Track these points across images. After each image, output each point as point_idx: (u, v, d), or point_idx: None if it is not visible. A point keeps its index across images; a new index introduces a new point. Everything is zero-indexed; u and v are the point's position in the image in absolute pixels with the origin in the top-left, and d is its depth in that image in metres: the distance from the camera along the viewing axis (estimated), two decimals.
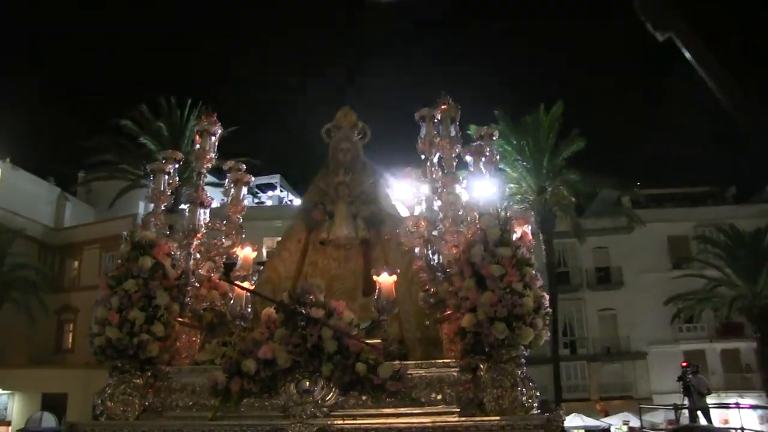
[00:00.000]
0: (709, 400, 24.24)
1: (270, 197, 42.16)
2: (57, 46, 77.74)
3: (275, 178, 43.91)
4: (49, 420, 28.88)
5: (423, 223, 5.10)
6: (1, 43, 73.61)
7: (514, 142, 28.59)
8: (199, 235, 5.24)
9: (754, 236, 28.41)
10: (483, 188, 5.04)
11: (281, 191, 44.86)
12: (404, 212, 5.78)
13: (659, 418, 27.17)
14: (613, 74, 76.87)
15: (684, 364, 18.54)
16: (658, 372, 32.93)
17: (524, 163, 28.74)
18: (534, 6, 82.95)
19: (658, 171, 57.40)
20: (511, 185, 28.80)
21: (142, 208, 38.64)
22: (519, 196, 28.74)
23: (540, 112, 28.67)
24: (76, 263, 39.97)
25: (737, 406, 25.49)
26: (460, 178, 5.31)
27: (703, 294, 28.89)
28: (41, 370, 34.60)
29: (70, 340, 38.42)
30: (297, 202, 42.39)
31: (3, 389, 34.06)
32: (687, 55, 2.73)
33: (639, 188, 34.45)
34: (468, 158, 5.18)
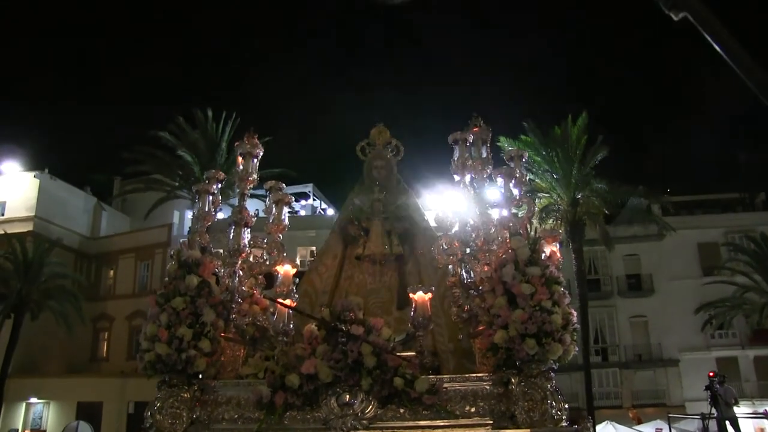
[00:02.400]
0: (744, 408, 24.03)
1: (303, 206, 42.58)
2: (96, 57, 79.26)
3: (308, 188, 44.34)
4: (84, 429, 29.29)
5: (456, 244, 5.31)
6: (43, 54, 75.35)
7: (544, 153, 28.69)
8: (243, 255, 5.51)
9: None
10: (513, 208, 5.26)
11: (314, 200, 45.27)
12: (437, 230, 5.99)
13: (692, 426, 26.92)
14: (641, 81, 76.32)
15: (711, 374, 18.44)
16: (691, 379, 32.62)
17: (554, 174, 28.82)
18: (561, 14, 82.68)
19: (689, 178, 56.86)
20: (542, 195, 28.93)
21: (176, 218, 39.44)
22: (550, 207, 28.82)
23: (568, 123, 28.76)
24: (112, 272, 40.73)
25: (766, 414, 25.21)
26: (492, 198, 5.52)
27: (734, 300, 28.75)
28: (76, 379, 35.24)
29: (105, 348, 39.10)
30: (330, 211, 42.80)
31: (38, 398, 34.73)
32: (706, 36, 2.60)
33: (669, 195, 34.31)
34: (499, 179, 5.38)
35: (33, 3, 71.64)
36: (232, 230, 5.55)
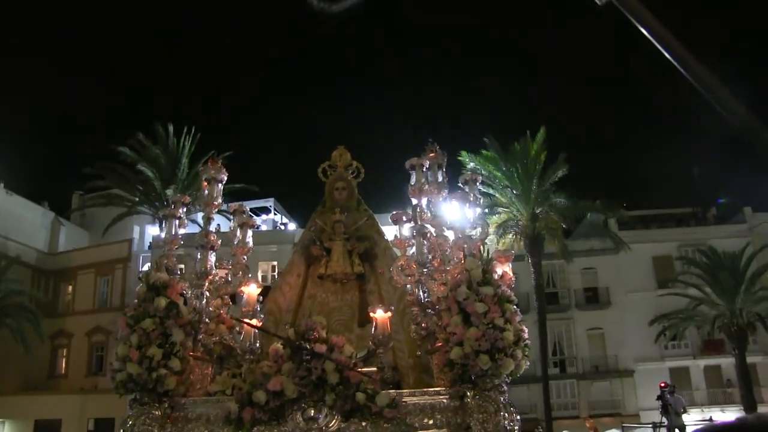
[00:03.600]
0: (694, 416, 24.75)
1: (264, 221, 42.51)
2: (55, 70, 78.21)
3: (269, 202, 44.28)
4: None
5: (414, 265, 5.60)
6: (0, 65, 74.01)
7: (504, 169, 29.26)
8: (209, 277, 5.73)
9: (732, 257, 29.22)
10: (468, 229, 5.58)
11: (275, 214, 45.20)
12: (396, 251, 6.29)
13: None
14: (600, 98, 78.04)
15: (662, 384, 19.15)
16: (646, 389, 33.31)
17: (513, 190, 29.40)
18: (523, 32, 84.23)
19: (645, 193, 58.27)
20: (502, 210, 29.51)
21: (137, 233, 39.02)
22: (510, 222, 29.38)
23: (527, 139, 29.42)
24: (71, 288, 40.06)
25: (711, 420, 26.00)
26: (447, 220, 5.83)
27: (687, 312, 29.57)
28: (34, 396, 34.56)
29: (64, 365, 38.43)
30: (291, 226, 42.75)
31: None
32: (635, 23, 2.51)
33: (625, 210, 35.15)
34: (454, 202, 5.70)
35: None
36: (199, 253, 5.75)
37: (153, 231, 38.08)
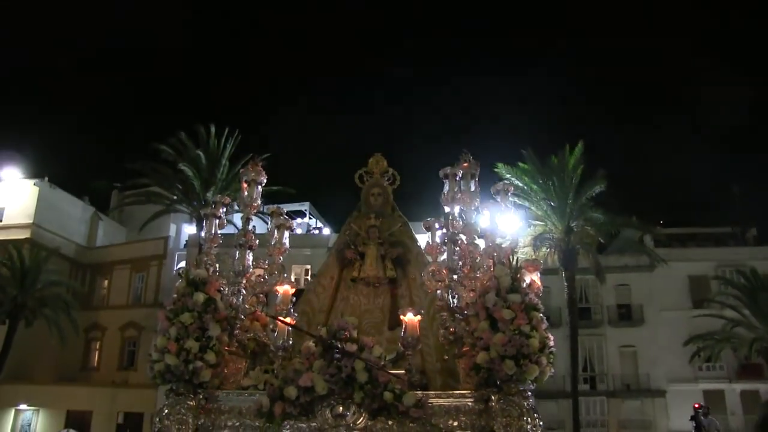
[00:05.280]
0: None
1: (299, 224, 42.90)
2: (102, 68, 80.00)
3: (305, 206, 44.65)
4: None
5: (445, 271, 5.74)
6: (46, 62, 76.00)
7: (540, 182, 29.20)
8: (247, 275, 5.93)
9: None
10: (498, 238, 5.70)
11: (310, 218, 45.56)
12: (428, 258, 6.43)
13: None
14: (640, 113, 77.22)
15: (696, 405, 18.91)
16: (678, 410, 32.88)
17: (550, 203, 29.31)
18: (561, 47, 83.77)
19: (682, 210, 57.44)
20: (537, 223, 29.40)
21: (173, 231, 39.72)
22: (544, 235, 29.25)
23: (565, 152, 29.32)
24: (106, 282, 40.94)
25: None
26: (479, 228, 5.96)
27: (723, 334, 29.03)
28: (67, 387, 35.41)
29: (97, 358, 39.20)
30: (326, 231, 43.08)
31: (28, 405, 34.83)
32: None
33: (661, 227, 34.77)
34: (486, 212, 5.83)
35: (36, 10, 72.45)
36: (237, 252, 5.96)
37: (189, 230, 38.76)
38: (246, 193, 6.32)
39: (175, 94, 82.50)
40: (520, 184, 28.75)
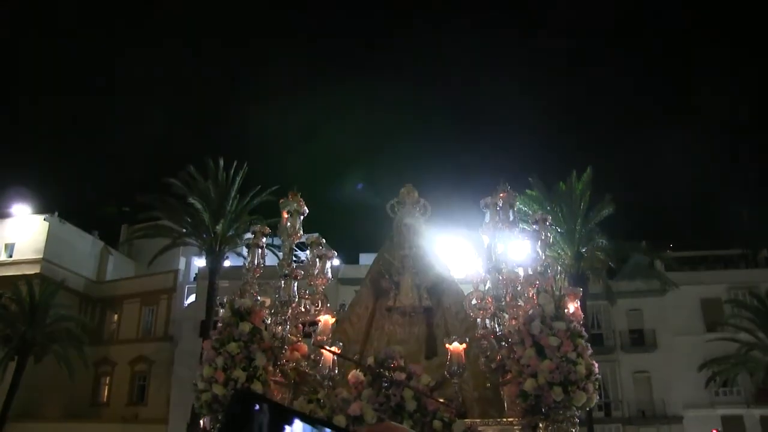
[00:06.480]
0: None
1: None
2: (110, 104, 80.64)
3: (314, 236, 44.65)
4: None
5: (489, 299, 5.79)
6: (56, 99, 76.67)
7: (548, 208, 29.27)
8: (293, 305, 5.99)
9: None
10: (539, 266, 5.76)
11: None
12: (465, 286, 6.48)
13: None
14: (647, 137, 77.48)
15: (714, 431, 18.74)
16: None
17: (558, 229, 29.35)
18: (569, 73, 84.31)
19: (691, 233, 57.29)
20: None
21: (183, 264, 39.74)
22: (556, 261, 29.19)
23: (572, 178, 29.46)
24: (116, 316, 40.88)
25: None
26: (518, 257, 6.02)
27: (738, 358, 28.83)
28: (76, 424, 35.03)
29: (106, 393, 39.00)
30: (335, 262, 43.00)
31: None
32: None
33: (671, 251, 34.71)
34: (527, 241, 5.90)
35: (41, 41, 73.34)
36: (282, 282, 6.02)
37: (199, 263, 38.77)
38: (288, 223, 6.38)
39: (186, 127, 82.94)
40: (529, 212, 28.81)
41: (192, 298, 38.43)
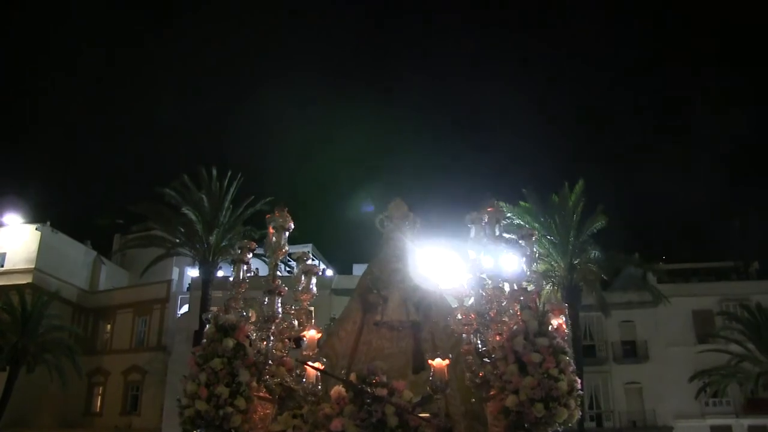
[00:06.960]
0: None
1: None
2: (104, 113, 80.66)
3: (308, 247, 44.60)
4: None
5: (473, 315, 5.82)
6: (50, 109, 76.63)
7: (542, 220, 29.35)
8: (276, 321, 6.01)
9: None
10: (524, 282, 5.80)
11: (313, 260, 45.44)
12: (451, 300, 6.50)
13: None
14: (641, 149, 77.83)
15: None
16: None
17: (552, 240, 29.42)
18: (562, 84, 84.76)
19: (683, 245, 57.54)
20: (539, 261, 29.42)
21: (176, 274, 39.65)
22: (547, 273, 29.29)
23: (565, 190, 29.56)
24: (109, 326, 40.75)
25: None
26: (503, 273, 6.05)
27: (729, 369, 28.98)
28: None
29: (99, 403, 38.85)
30: (329, 272, 43.01)
31: None
32: None
33: (664, 263, 34.83)
34: (512, 256, 5.93)
35: (35, 49, 73.34)
36: (266, 298, 6.04)
37: (192, 273, 38.73)
38: (274, 239, 6.41)
39: (178, 137, 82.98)
40: (522, 223, 28.88)
41: (185, 308, 38.38)
